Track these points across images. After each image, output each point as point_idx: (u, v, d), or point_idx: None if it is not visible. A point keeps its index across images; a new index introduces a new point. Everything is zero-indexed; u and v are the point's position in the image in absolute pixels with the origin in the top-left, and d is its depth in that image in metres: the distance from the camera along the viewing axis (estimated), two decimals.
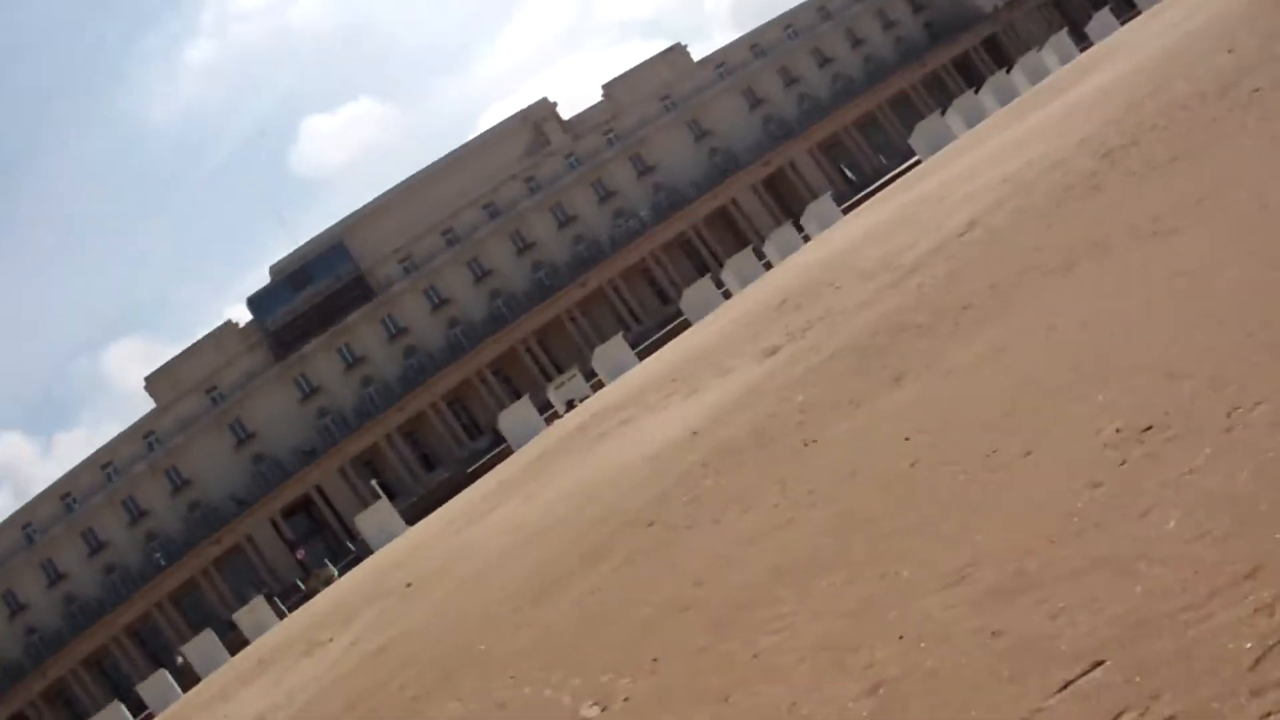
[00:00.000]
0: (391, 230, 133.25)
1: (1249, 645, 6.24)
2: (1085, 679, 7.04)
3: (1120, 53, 61.99)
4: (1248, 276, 12.50)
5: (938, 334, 21.18)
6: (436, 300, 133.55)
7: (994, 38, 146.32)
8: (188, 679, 68.71)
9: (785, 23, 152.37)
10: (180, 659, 78.22)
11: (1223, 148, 20.97)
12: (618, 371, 73.73)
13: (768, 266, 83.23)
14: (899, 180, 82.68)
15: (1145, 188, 21.89)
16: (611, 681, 13.42)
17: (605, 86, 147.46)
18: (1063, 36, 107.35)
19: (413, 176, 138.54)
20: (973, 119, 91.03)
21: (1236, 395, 9.72)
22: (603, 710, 12.73)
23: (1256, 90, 24.09)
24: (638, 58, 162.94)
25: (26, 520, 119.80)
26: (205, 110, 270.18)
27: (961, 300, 22.57)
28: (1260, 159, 18.27)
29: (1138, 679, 6.67)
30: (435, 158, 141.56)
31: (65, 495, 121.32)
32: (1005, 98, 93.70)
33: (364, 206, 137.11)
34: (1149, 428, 10.29)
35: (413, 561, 40.79)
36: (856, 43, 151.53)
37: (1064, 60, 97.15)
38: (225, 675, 48.53)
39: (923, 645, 9.01)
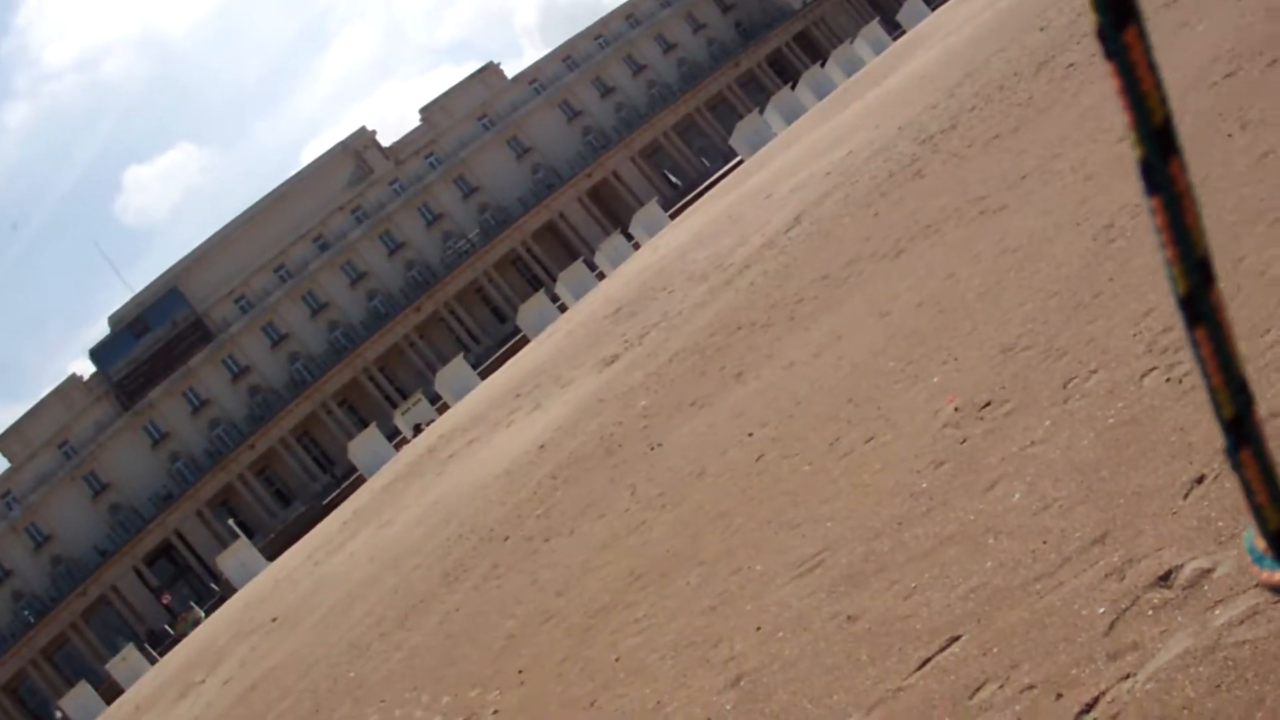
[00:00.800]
0: (224, 271, 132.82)
1: (1102, 610, 6.36)
2: (943, 654, 7.14)
3: (934, 37, 62.79)
4: (1076, 248, 12.75)
5: (774, 329, 21.40)
6: (275, 337, 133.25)
7: (805, 33, 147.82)
8: None
9: (595, 33, 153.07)
10: (59, 714, 77.41)
11: (1042, 124, 21.38)
12: (462, 392, 73.72)
13: (600, 277, 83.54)
14: (723, 181, 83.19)
15: (968, 169, 22.26)
16: (480, 696, 13.45)
17: (423, 110, 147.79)
18: (874, 26, 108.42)
19: (240, 216, 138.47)
20: (791, 115, 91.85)
21: (1072, 366, 9.91)
22: None
23: (1071, 65, 24.59)
24: (451, 80, 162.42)
25: None
26: (26, 170, 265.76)
27: (794, 294, 22.82)
28: (1080, 131, 18.62)
29: (995, 650, 6.77)
30: (260, 196, 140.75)
31: None
32: (822, 91, 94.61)
33: (195, 250, 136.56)
34: (987, 403, 10.46)
35: (276, 596, 40.56)
36: (668, 47, 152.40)
37: (877, 50, 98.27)
38: None
39: (781, 635, 9.11)
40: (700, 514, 13.94)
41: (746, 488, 13.57)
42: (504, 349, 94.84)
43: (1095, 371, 9.49)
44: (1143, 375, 8.78)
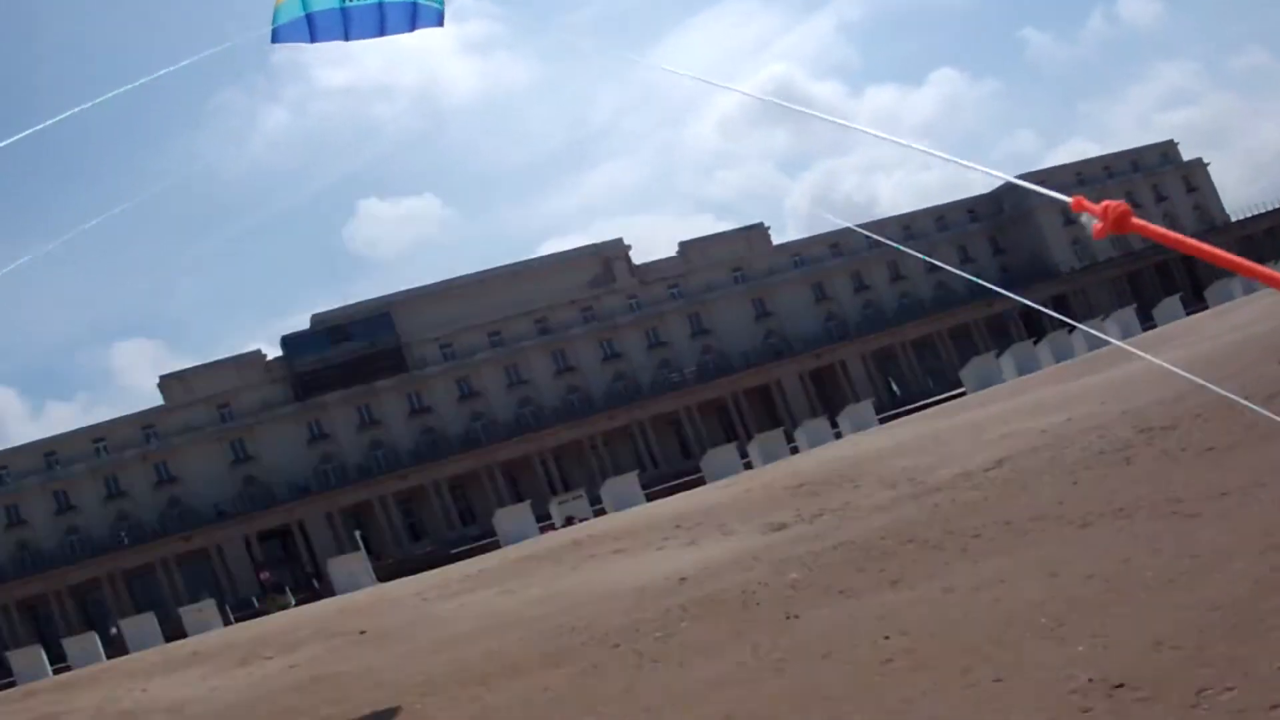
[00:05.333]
0: (439, 317, 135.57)
1: None
2: None
3: (1180, 340, 62.33)
4: (1251, 573, 12.80)
5: (944, 553, 21.42)
6: (467, 391, 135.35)
7: (1063, 297, 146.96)
8: (117, 650, 68.15)
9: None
10: (115, 630, 77.67)
11: (1257, 450, 21.30)
12: (624, 505, 73.47)
13: (794, 451, 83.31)
14: (941, 405, 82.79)
15: (1175, 469, 22.22)
16: None
17: (682, 244, 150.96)
18: (1129, 312, 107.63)
19: (472, 274, 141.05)
20: (1025, 368, 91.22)
21: (1211, 677, 9.98)
22: None
23: None
24: (708, 230, 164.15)
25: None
26: (267, 173, 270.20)
27: (974, 528, 22.81)
28: None
29: None
30: (487, 267, 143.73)
31: (49, 454, 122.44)
32: (1061, 356, 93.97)
33: (417, 287, 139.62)
34: (1120, 685, 10.54)
35: (373, 614, 40.68)
36: (931, 268, 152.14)
37: (1125, 334, 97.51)
38: (155, 656, 48.18)
39: None
40: (813, 692, 14.05)
41: (866, 683, 13.68)
42: (678, 482, 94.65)
43: (1231, 690, 9.58)
44: (1273, 706, 8.88)
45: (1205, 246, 4.13)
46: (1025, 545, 19.53)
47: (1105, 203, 4.18)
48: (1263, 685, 9.38)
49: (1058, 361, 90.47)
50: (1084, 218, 4.21)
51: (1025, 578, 16.81)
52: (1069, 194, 4.63)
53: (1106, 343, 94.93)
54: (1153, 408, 32.73)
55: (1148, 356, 11.66)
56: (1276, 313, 51.97)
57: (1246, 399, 27.20)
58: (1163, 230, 4.11)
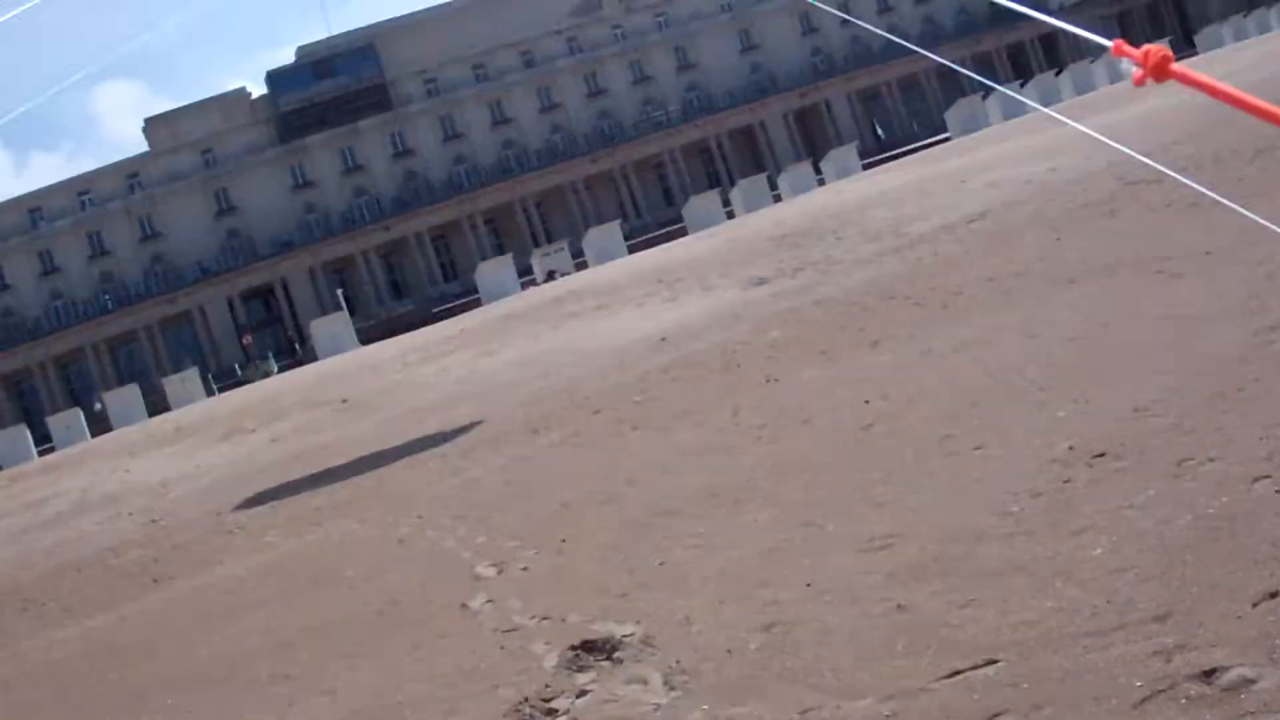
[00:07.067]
0: (423, 49, 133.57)
1: (1139, 684, 6.36)
2: (976, 672, 7.15)
3: (1169, 88, 61.57)
4: (1235, 338, 12.59)
5: (925, 310, 21.26)
6: (450, 131, 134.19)
7: (1052, 37, 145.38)
8: (102, 426, 68.60)
9: None
10: (99, 405, 78.19)
11: (1244, 204, 20.94)
12: (606, 258, 73.42)
13: (777, 198, 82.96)
14: (925, 152, 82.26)
15: (1159, 225, 21.87)
16: (516, 549, 13.54)
17: None
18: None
19: (457, 2, 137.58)
20: (1010, 112, 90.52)
21: (1193, 447, 9.82)
22: (498, 573, 12.85)
23: None
24: None
25: None
26: None
27: (956, 285, 22.62)
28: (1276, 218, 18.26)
29: (1026, 686, 6.78)
30: None
31: (33, 210, 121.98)
32: (1048, 100, 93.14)
33: (402, 16, 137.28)
34: (1101, 454, 10.39)
35: (356, 381, 40.79)
36: (920, 0, 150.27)
37: (1112, 79, 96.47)
38: (139, 433, 48.46)
39: (828, 599, 9.14)
40: (792, 459, 13.97)
41: (845, 450, 13.60)
42: (661, 232, 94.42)
43: (1213, 460, 9.42)
44: (1255, 479, 8.72)
45: (1256, 102, 3.78)
46: (1006, 304, 19.33)
47: (1145, 48, 3.83)
48: (1245, 455, 9.23)
49: (1045, 105, 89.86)
50: (1124, 64, 3.95)
51: (1006, 339, 16.65)
52: (1109, 36, 4.27)
53: (1092, 86, 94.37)
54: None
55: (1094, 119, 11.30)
56: (1268, 63, 51.46)
57: (1234, 152, 26.98)
58: (1206, 79, 3.76)
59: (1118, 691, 6.38)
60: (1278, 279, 14.64)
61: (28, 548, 26.43)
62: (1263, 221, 5.77)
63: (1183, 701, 6.09)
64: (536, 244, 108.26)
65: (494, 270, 79.70)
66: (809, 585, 9.55)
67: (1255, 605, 6.82)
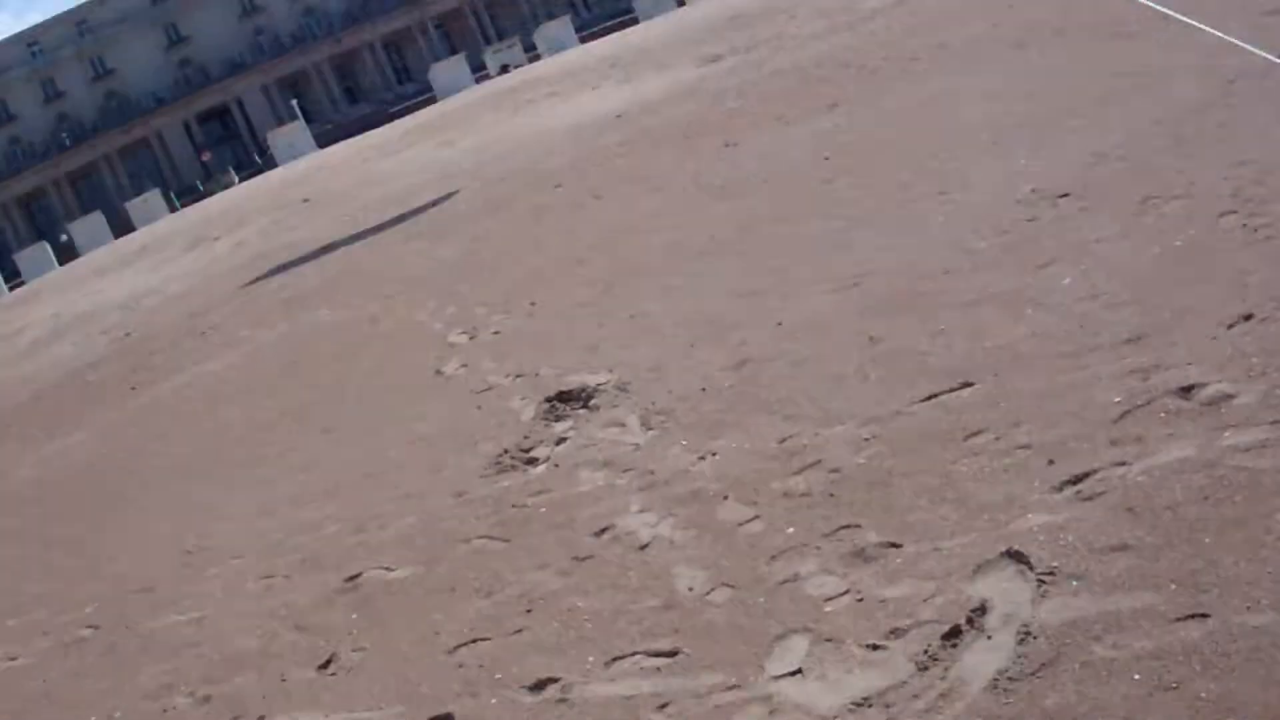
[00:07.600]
0: None
1: (1117, 400, 6.41)
2: (951, 395, 7.21)
3: None
4: (1197, 88, 12.45)
5: (881, 76, 21.19)
6: None
7: None
8: (69, 256, 68.64)
9: None
10: (65, 236, 77.97)
11: None
12: (558, 50, 72.97)
13: None
14: None
15: None
16: (486, 315, 13.64)
17: None
18: None
19: None
20: None
21: (1157, 185, 9.82)
22: (470, 339, 12.94)
23: None
24: None
25: None
26: None
27: (911, 52, 22.50)
28: None
29: (1002, 405, 6.83)
30: None
31: None
32: None
33: None
34: (1065, 194, 10.41)
35: (316, 181, 40.72)
36: None
37: None
38: (106, 256, 48.43)
39: (799, 335, 9.20)
40: (755, 212, 14.05)
41: (808, 201, 13.64)
42: (612, 23, 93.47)
43: (1178, 198, 9.44)
44: (1221, 214, 8.73)
45: None
46: (963, 65, 19.19)
47: None
48: (1211, 194, 9.23)
49: None
50: None
51: (964, 97, 16.56)
52: None
53: None
54: None
55: None
56: None
57: None
58: None
59: (1096, 408, 6.43)
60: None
61: (3, 377, 26.52)
62: None
63: (1162, 415, 6.13)
64: (488, 44, 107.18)
65: (448, 69, 79.16)
66: (780, 324, 9.61)
67: (1230, 327, 6.85)
